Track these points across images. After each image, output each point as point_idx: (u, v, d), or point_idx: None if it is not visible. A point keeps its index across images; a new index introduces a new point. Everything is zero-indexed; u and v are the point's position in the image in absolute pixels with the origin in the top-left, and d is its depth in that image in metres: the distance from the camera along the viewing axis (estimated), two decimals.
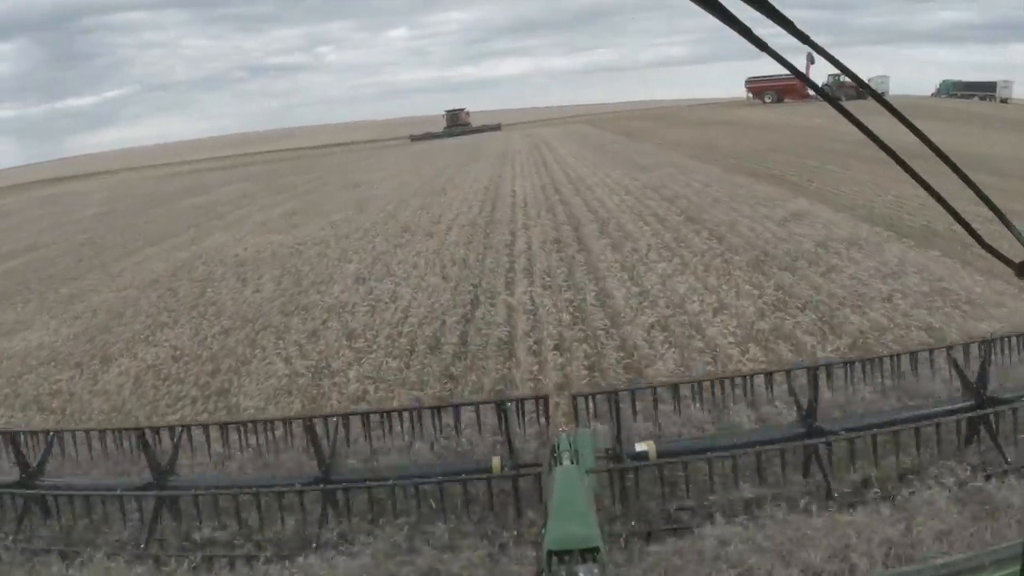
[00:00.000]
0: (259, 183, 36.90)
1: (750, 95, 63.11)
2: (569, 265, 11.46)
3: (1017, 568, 1.53)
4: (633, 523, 4.46)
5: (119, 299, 13.39)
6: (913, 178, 1.19)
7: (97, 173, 75.77)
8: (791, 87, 58.22)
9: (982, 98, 55.25)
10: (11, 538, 4.97)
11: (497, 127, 65.74)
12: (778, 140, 30.12)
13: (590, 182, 21.58)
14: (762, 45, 1.06)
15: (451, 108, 69.10)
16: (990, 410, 4.87)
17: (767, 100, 60.19)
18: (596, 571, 2.67)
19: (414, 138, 63.71)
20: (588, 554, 2.70)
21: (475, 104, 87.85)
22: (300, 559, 4.37)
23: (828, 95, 1.26)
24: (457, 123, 66.42)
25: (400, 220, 18.00)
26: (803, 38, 1.05)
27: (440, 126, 66.92)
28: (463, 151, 41.94)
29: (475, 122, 68.03)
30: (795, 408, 5.13)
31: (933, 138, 1.16)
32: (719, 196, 16.76)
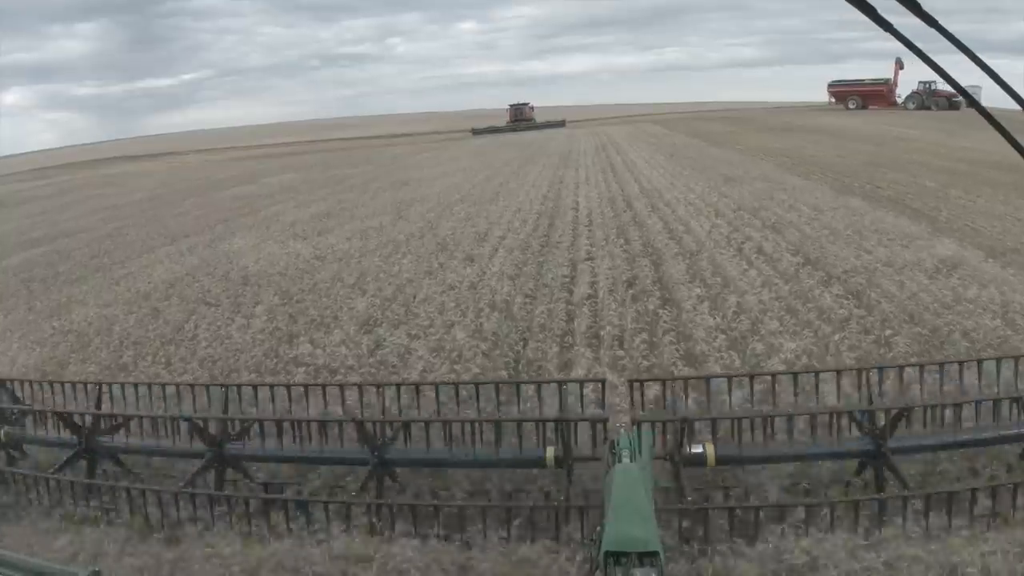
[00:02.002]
0: (309, 174, 35.25)
1: (832, 99, 59.87)
2: (651, 328, 8.23)
3: None
4: (684, 525, 4.31)
5: (98, 318, 11.32)
6: None
7: (167, 153, 76.52)
8: (876, 93, 56.03)
9: None
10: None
11: (562, 123, 62.79)
12: (876, 153, 26.01)
13: (668, 197, 18.24)
14: (907, 42, 1.09)
15: (515, 102, 66.61)
16: None
17: (851, 106, 57.15)
18: None
19: (476, 132, 61.63)
20: (647, 558, 2.47)
21: (541, 99, 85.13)
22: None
23: (983, 108, 1.23)
24: (521, 118, 63.98)
25: (439, 234, 15.18)
26: (930, 21, 1.06)
27: (504, 120, 64.61)
28: (524, 149, 38.99)
29: (540, 117, 65.36)
30: (864, 422, 4.82)
31: None
32: (837, 227, 13.30)
